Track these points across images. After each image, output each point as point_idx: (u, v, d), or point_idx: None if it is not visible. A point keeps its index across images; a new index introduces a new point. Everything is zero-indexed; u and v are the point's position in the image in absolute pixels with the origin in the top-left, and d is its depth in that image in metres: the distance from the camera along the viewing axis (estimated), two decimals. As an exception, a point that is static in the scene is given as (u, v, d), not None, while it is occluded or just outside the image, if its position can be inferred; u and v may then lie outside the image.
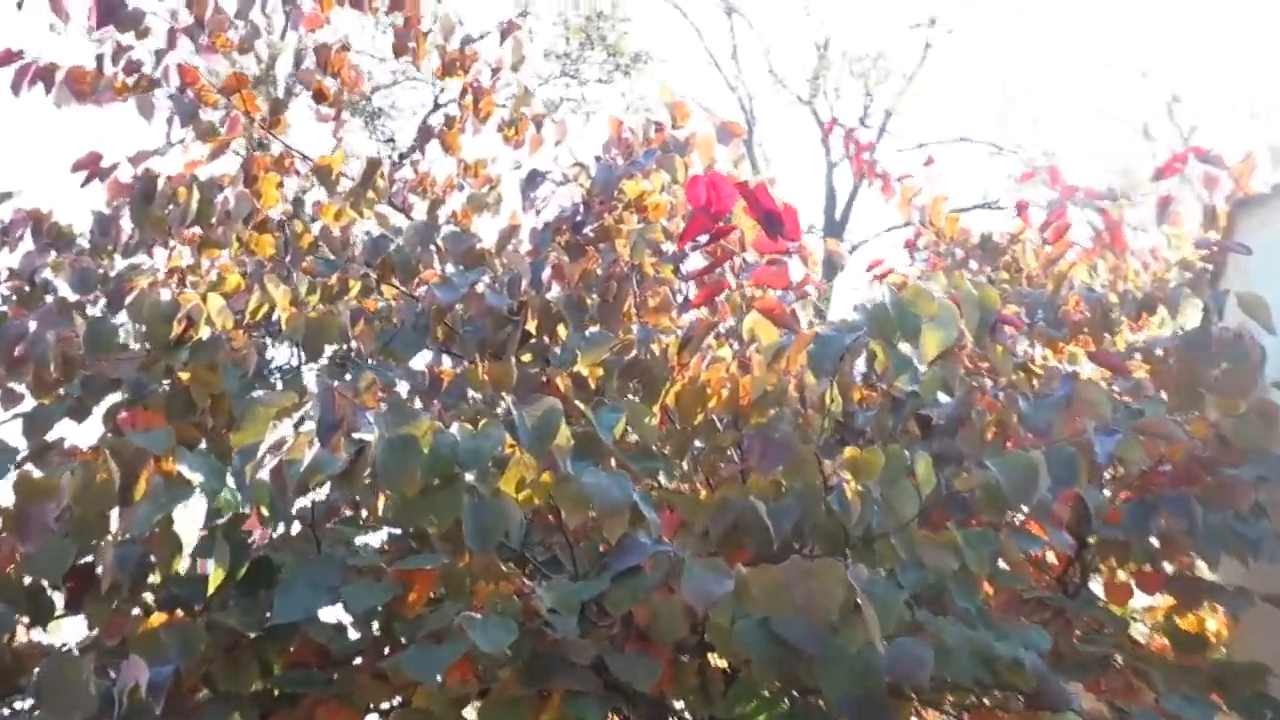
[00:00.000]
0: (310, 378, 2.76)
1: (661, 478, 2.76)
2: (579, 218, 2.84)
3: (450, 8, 3.64)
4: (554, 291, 2.95)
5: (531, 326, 2.80)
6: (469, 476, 1.98)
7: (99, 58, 3.86)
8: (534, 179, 3.24)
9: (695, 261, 2.84)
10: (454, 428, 1.97)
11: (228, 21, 3.78)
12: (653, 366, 2.72)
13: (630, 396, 2.67)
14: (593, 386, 2.83)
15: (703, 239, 2.27)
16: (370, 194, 3.52)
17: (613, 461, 2.49)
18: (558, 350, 3.02)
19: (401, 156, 4.33)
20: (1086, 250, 4.53)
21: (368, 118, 16.29)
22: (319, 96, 4.07)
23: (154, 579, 2.32)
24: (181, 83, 3.87)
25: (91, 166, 3.71)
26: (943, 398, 3.30)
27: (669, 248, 3.00)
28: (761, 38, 22.92)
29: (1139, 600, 3.24)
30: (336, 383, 1.78)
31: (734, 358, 2.63)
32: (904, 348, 2.31)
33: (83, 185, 3.74)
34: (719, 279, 2.44)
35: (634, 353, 2.81)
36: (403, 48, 3.93)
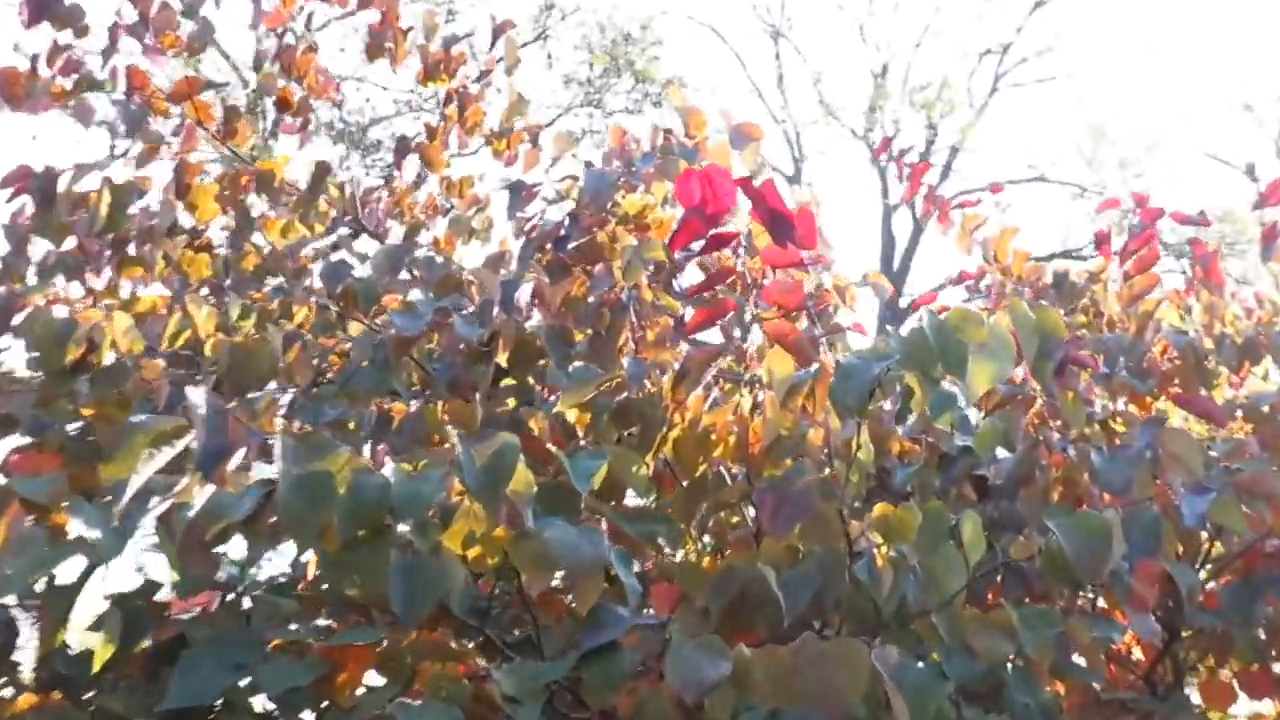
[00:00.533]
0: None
1: (663, 543, 2.60)
2: (563, 232, 2.71)
3: (432, 3, 3.55)
4: (535, 319, 2.81)
5: (505, 359, 2.66)
6: (403, 528, 1.82)
7: (33, 58, 3.82)
8: (519, 192, 3.12)
9: (693, 276, 2.69)
10: (387, 467, 1.82)
11: (175, 19, 3.72)
12: (646, 408, 2.57)
13: (620, 444, 2.52)
14: (579, 433, 2.68)
15: (696, 246, 2.12)
16: (323, 206, 3.41)
17: (604, 526, 2.34)
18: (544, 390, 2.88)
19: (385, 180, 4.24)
20: (1177, 291, 4.36)
21: (365, 150, 16.43)
22: (283, 104, 4.00)
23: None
24: (129, 87, 3.81)
25: (20, 182, 3.64)
26: (1001, 453, 3.14)
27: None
28: (811, 65, 23.01)
29: (1243, 705, 3.02)
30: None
31: (742, 394, 2.47)
32: (946, 382, 2.15)
33: (8, 201, 3.67)
34: (721, 300, 2.29)
35: (625, 393, 2.66)
36: (378, 48, 3.86)
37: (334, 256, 3.47)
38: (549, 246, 2.76)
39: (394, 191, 4.20)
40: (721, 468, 2.62)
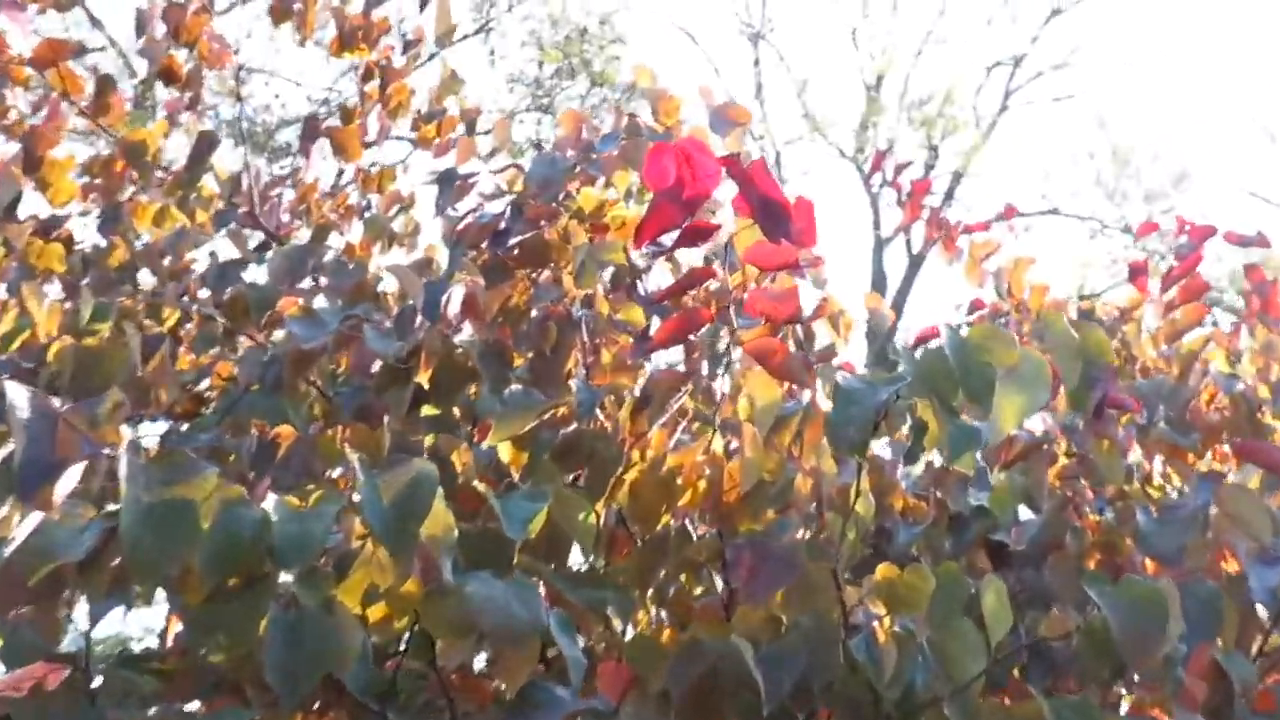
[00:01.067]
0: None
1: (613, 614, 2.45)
2: (503, 226, 2.56)
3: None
4: (466, 333, 2.67)
5: (426, 379, 2.51)
6: (286, 577, 1.67)
7: None
8: (450, 184, 2.98)
9: (661, 278, 2.55)
10: (268, 500, 1.66)
11: (39, -34, 3.58)
12: (597, 444, 2.43)
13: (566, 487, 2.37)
14: (514, 475, 2.53)
15: (668, 240, 1.99)
16: (207, 190, 3.25)
17: (541, 589, 2.19)
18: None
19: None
20: (1222, 332, 4.29)
21: (272, 154, 16.25)
22: (168, 75, 3.85)
23: None
24: (-20, 50, 3.65)
25: None
26: (1024, 514, 3.03)
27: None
28: (795, 73, 23.14)
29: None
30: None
31: (715, 430, 2.34)
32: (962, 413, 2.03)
33: None
34: (695, 310, 2.15)
35: (573, 425, 2.52)
36: (284, 9, 3.72)
37: (222, 256, 3.32)
38: (485, 244, 2.61)
39: (299, 186, 4.05)
40: (687, 520, 2.48)
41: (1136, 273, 4.68)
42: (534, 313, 2.81)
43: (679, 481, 2.39)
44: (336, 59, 3.83)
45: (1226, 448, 3.79)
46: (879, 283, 21.27)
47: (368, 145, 3.95)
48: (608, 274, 2.77)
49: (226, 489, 1.57)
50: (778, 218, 1.91)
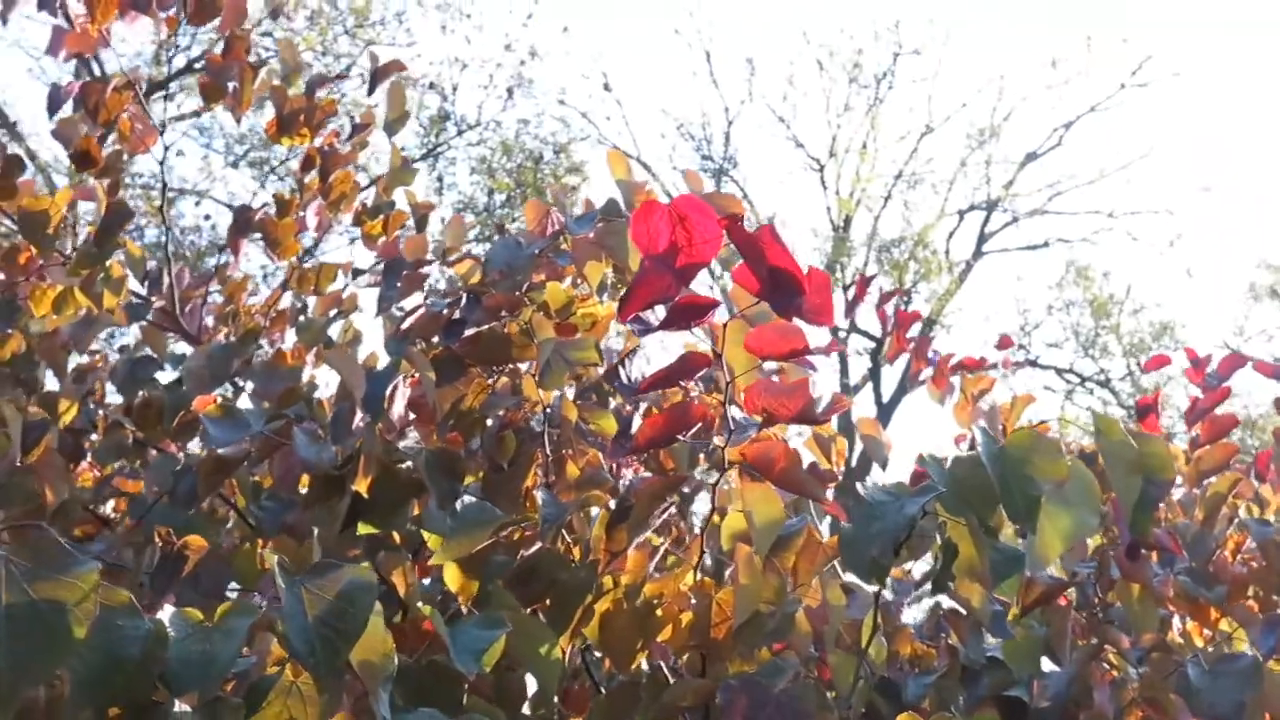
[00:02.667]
0: None
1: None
2: (458, 316, 2.35)
3: (293, 34, 3.25)
4: (410, 439, 2.44)
5: (364, 488, 2.27)
6: (183, 708, 1.42)
7: None
8: (396, 273, 2.78)
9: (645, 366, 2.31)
10: (165, 611, 1.42)
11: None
12: (563, 570, 2.19)
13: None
14: (461, 603, 2.29)
15: (655, 314, 1.78)
16: (114, 270, 3.02)
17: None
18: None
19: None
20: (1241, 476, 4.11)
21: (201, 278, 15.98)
22: (83, 159, 3.64)
23: None
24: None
25: None
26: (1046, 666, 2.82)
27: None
28: (759, 210, 23.31)
29: None
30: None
31: (699, 555, 2.11)
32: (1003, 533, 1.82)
33: None
34: (686, 403, 1.93)
35: (534, 546, 2.29)
36: (217, 88, 3.54)
37: (134, 353, 3.09)
38: (436, 338, 2.40)
39: (225, 284, 3.84)
40: (666, 659, 2.24)
41: (1145, 411, 4.51)
42: (489, 420, 2.59)
43: (659, 613, 2.15)
44: (278, 149, 3.62)
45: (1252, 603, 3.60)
46: (847, 429, 21.13)
47: (305, 241, 3.75)
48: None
49: (110, 592, 1.33)
50: (790, 291, 1.71)
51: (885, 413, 21.99)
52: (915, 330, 5.37)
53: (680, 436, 1.96)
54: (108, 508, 3.37)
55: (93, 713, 1.36)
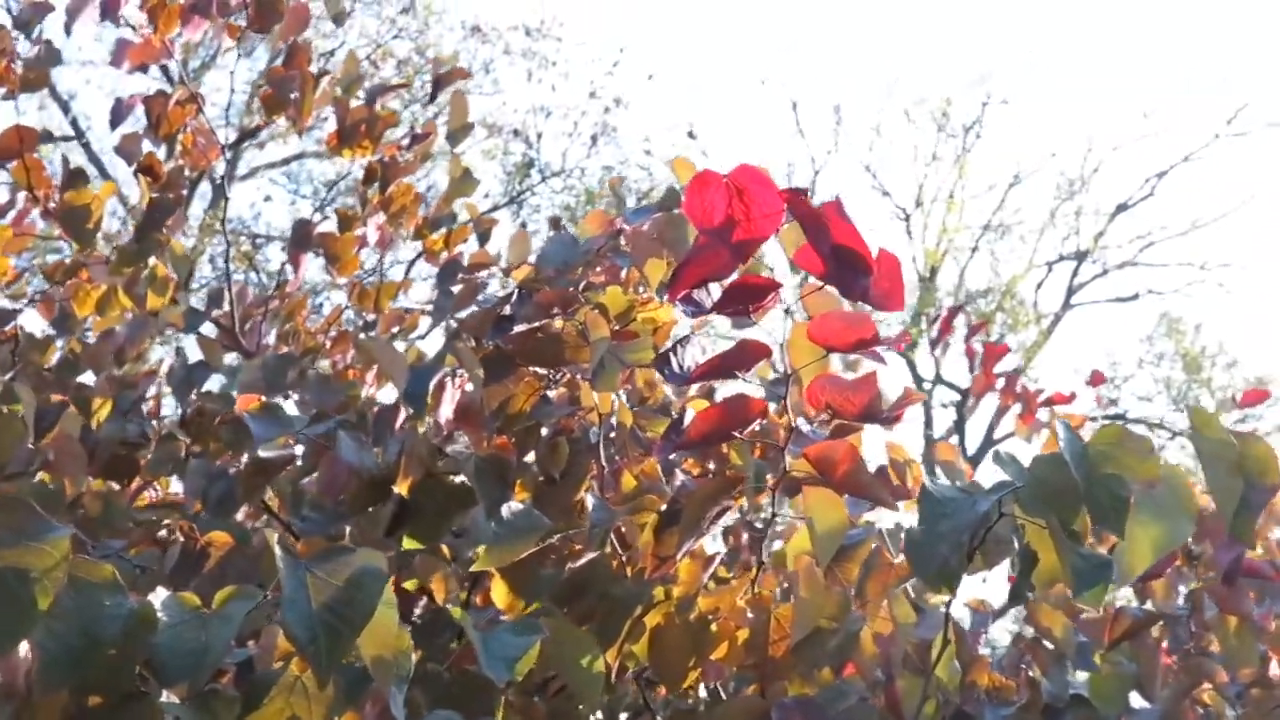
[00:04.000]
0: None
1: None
2: (509, 312, 2.23)
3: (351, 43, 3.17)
4: (460, 444, 2.31)
5: (405, 489, 2.14)
6: (170, 698, 1.28)
7: None
8: (451, 277, 2.66)
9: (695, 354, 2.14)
10: (155, 594, 1.29)
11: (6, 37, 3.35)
12: (613, 583, 2.05)
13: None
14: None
15: (710, 293, 1.64)
16: (159, 271, 2.93)
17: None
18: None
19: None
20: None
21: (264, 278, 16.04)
22: (147, 174, 3.58)
23: None
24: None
25: None
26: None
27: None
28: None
29: None
30: None
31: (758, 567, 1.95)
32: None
33: None
34: (744, 396, 1.78)
35: (582, 558, 2.14)
36: (279, 100, 3.47)
37: (189, 359, 3.00)
38: (487, 335, 2.27)
39: (284, 301, 3.76)
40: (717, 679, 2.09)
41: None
42: (542, 429, 2.46)
43: (713, 628, 2.00)
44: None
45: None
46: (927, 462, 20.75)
47: (366, 256, 3.66)
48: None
49: (91, 566, 1.20)
50: (857, 271, 1.56)
51: (974, 459, 21.59)
52: (1004, 366, 5.19)
53: (737, 433, 1.81)
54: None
55: (70, 700, 1.24)
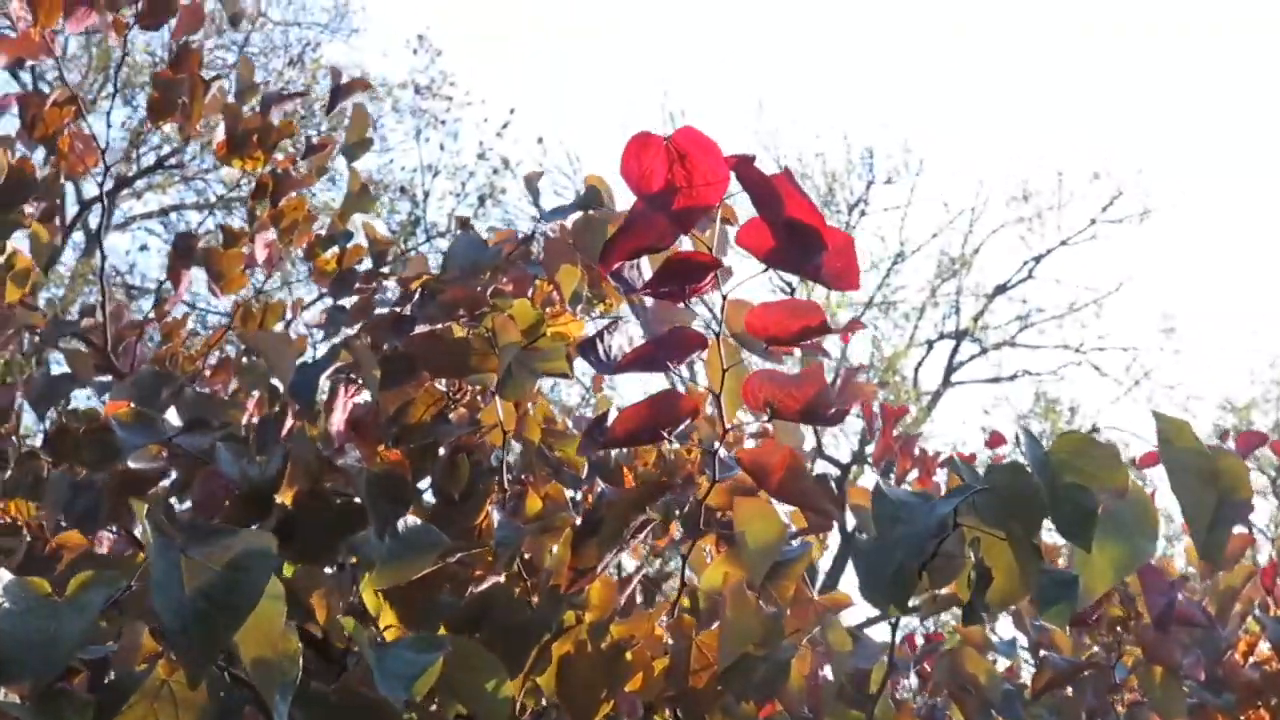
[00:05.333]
0: None
1: None
2: (406, 311, 2.04)
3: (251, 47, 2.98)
4: (352, 457, 2.11)
5: (289, 499, 1.93)
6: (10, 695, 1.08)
7: None
8: (346, 286, 2.47)
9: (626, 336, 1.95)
10: (-3, 575, 1.09)
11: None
12: (513, 607, 1.86)
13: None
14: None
15: (639, 268, 1.48)
16: (19, 261, 2.69)
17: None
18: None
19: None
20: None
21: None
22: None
23: None
24: None
25: None
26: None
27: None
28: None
29: None
30: None
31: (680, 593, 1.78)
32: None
33: None
34: (672, 393, 1.61)
35: (485, 581, 1.95)
36: (167, 104, 3.25)
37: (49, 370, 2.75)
38: (377, 330, 2.07)
39: (163, 322, 3.52)
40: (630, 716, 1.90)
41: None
42: (440, 448, 2.27)
43: (628, 657, 1.81)
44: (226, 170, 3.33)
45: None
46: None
47: (253, 274, 3.44)
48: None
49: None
50: (809, 246, 1.40)
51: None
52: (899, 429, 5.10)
53: (664, 432, 1.64)
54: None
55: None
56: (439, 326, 2.04)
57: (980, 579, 1.55)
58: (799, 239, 1.41)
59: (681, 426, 1.64)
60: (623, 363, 1.65)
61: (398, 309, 2.08)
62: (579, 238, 2.15)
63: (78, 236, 16.36)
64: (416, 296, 2.09)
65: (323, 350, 2.79)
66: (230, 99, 3.30)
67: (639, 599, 2.48)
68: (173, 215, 18.90)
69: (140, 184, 18.26)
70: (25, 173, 2.78)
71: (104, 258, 3.42)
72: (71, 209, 15.87)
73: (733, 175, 1.44)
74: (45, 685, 1.10)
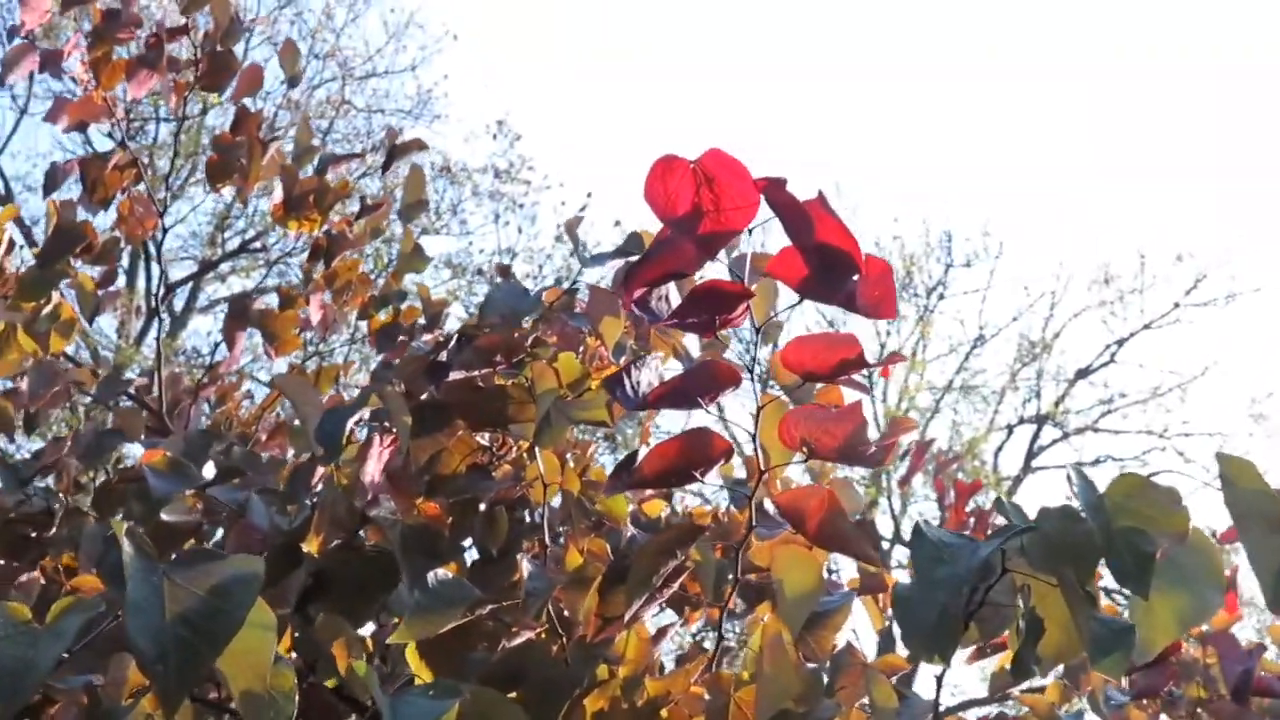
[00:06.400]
0: None
1: None
2: (443, 357, 1.98)
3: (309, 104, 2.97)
4: (385, 508, 2.05)
5: (315, 548, 1.87)
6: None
7: None
8: (390, 339, 2.42)
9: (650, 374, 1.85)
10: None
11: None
12: (547, 664, 1.78)
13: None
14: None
15: (666, 294, 1.41)
16: (64, 311, 2.67)
17: None
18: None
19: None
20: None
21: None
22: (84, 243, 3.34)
23: None
24: None
25: None
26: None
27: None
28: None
29: None
30: None
31: (717, 649, 1.69)
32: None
33: None
34: (704, 429, 1.53)
35: (518, 637, 1.88)
36: (225, 167, 3.26)
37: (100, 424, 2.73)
38: (415, 378, 2.02)
39: (218, 384, 3.50)
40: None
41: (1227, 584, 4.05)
42: (480, 504, 2.20)
43: (664, 714, 1.72)
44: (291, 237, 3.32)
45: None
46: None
47: (308, 337, 3.42)
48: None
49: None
50: (843, 272, 1.33)
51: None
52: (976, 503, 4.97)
53: (695, 473, 1.56)
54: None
55: None
56: (476, 374, 1.98)
57: (1031, 629, 1.45)
58: (832, 265, 1.34)
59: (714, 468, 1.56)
60: (651, 398, 1.58)
61: (434, 353, 2.02)
62: (622, 286, 2.08)
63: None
64: (454, 340, 2.03)
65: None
66: (288, 160, 3.30)
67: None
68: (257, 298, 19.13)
69: (224, 267, 18.51)
70: (74, 227, 2.77)
71: (160, 319, 3.41)
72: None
73: (763, 200, 1.37)
74: (13, 711, 1.04)
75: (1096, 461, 23.60)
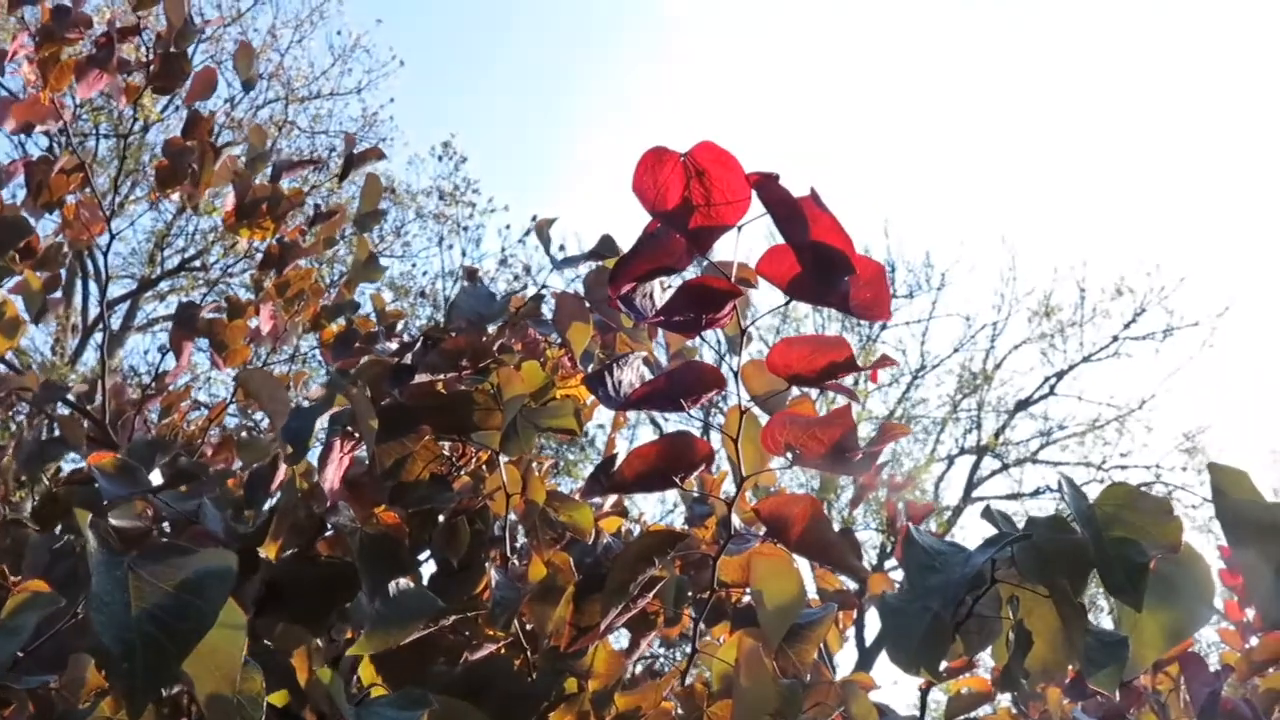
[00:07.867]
0: None
1: None
2: (406, 359, 1.92)
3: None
4: (344, 514, 1.99)
5: (273, 553, 1.81)
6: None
7: None
8: (346, 347, 2.36)
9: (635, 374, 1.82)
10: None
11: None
12: (511, 679, 1.72)
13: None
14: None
15: (651, 291, 1.37)
16: (8, 309, 2.59)
17: None
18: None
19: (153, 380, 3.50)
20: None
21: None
22: (23, 249, 3.25)
23: None
24: None
25: None
26: None
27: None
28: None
29: None
30: None
31: (689, 654, 1.64)
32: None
33: None
34: (685, 434, 1.48)
35: (482, 650, 1.82)
36: (175, 172, 3.18)
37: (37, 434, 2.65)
38: (377, 379, 1.95)
39: (164, 394, 3.42)
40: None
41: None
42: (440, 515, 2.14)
43: (637, 726, 1.68)
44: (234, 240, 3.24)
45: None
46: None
47: (257, 347, 3.35)
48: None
49: None
50: (836, 271, 1.29)
51: (868, 658, 21.14)
52: (930, 525, 4.94)
53: (675, 478, 1.51)
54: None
55: None
56: (441, 378, 1.93)
57: (1020, 642, 1.41)
58: (826, 264, 1.30)
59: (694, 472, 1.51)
60: (633, 398, 1.53)
61: (399, 355, 1.96)
62: (592, 291, 2.04)
63: (96, 336, 16.38)
64: (419, 343, 1.98)
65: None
66: (240, 165, 3.23)
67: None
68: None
69: (163, 286, 18.28)
70: (15, 220, 2.69)
71: (106, 329, 3.32)
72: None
73: (754, 194, 1.33)
74: (-35, 713, 0.98)
75: (1036, 493, 23.75)
